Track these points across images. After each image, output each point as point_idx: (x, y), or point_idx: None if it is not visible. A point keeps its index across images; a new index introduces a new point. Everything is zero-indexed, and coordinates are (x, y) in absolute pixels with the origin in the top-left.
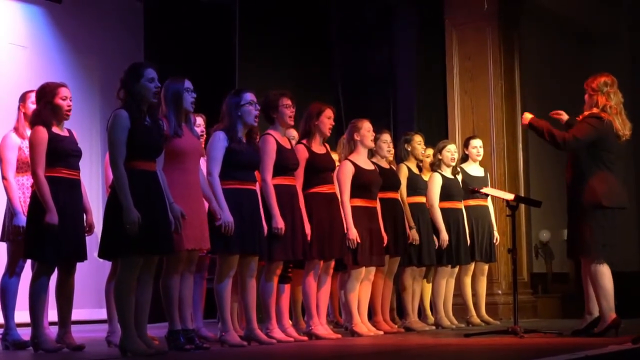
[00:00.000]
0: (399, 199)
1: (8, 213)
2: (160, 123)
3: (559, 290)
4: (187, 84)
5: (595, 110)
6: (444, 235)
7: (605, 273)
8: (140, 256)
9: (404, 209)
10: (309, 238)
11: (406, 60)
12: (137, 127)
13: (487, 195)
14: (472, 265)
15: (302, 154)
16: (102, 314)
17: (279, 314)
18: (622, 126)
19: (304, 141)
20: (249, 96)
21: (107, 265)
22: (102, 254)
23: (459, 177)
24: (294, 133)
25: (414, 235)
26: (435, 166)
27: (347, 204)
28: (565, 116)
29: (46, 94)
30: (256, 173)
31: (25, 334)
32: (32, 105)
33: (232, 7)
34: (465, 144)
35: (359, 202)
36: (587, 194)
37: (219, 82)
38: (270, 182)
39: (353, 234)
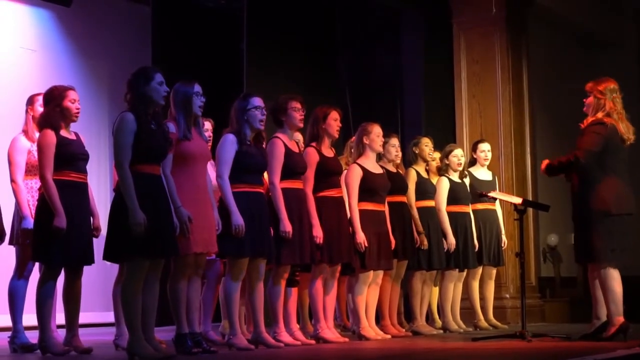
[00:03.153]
0: (407, 202)
1: (17, 216)
2: (166, 127)
3: (567, 295)
4: (197, 87)
5: (599, 114)
6: (451, 239)
7: (615, 277)
8: (146, 259)
9: (412, 214)
10: (320, 240)
11: (414, 64)
12: (143, 131)
13: (495, 199)
14: (480, 269)
15: (313, 156)
16: (110, 317)
17: (286, 318)
18: (627, 130)
19: (314, 144)
20: (256, 101)
21: (114, 268)
22: (107, 257)
23: (467, 181)
24: (299, 136)
25: (422, 240)
26: (442, 170)
27: (355, 207)
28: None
29: (55, 97)
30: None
31: (33, 337)
32: (40, 108)
33: (240, 12)
34: (473, 148)
35: (367, 206)
36: (596, 202)
37: (226, 87)
38: (279, 186)
39: (360, 237)
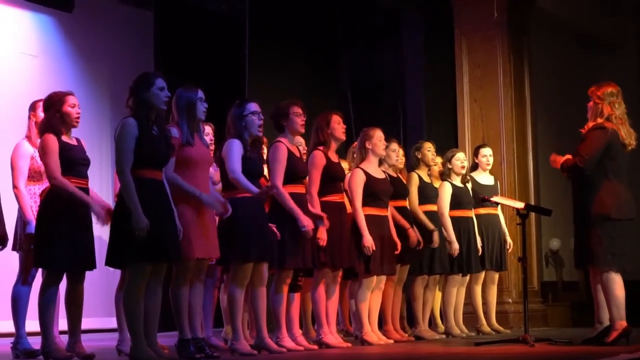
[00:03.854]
0: (409, 207)
1: (20, 222)
2: (168, 132)
3: (570, 299)
4: (200, 93)
5: (599, 120)
6: (455, 245)
7: (616, 281)
8: (149, 264)
9: (419, 216)
10: (324, 243)
11: (415, 68)
12: (144, 136)
13: (497, 203)
14: (483, 274)
15: (320, 160)
16: (112, 322)
17: (289, 323)
18: (628, 135)
19: (321, 148)
20: (253, 106)
21: (116, 273)
22: (110, 262)
23: (469, 186)
24: (300, 139)
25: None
26: (445, 175)
27: (360, 211)
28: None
29: (54, 102)
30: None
31: (35, 342)
32: (42, 114)
33: (242, 17)
34: (475, 153)
35: (370, 211)
36: (596, 206)
37: (228, 92)
38: (282, 188)
39: (368, 241)
